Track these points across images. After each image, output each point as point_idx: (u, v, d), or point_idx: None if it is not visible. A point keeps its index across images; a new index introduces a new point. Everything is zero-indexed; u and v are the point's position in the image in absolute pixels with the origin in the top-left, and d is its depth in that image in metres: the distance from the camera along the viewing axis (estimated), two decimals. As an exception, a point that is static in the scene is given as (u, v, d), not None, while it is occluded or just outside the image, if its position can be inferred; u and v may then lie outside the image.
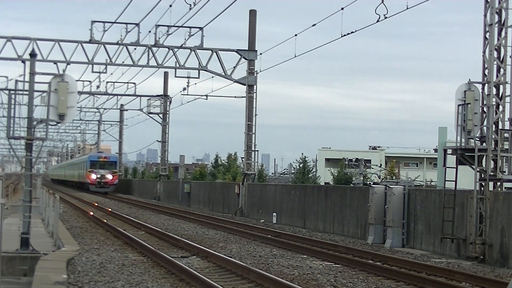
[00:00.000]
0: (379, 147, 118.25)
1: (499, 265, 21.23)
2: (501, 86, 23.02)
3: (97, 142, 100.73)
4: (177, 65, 46.44)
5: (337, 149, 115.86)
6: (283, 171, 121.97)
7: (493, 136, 22.78)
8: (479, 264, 21.56)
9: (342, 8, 31.63)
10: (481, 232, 22.30)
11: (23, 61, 20.72)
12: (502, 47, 22.91)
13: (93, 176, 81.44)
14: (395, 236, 26.33)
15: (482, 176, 22.77)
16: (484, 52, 22.97)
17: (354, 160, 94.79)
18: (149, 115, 68.51)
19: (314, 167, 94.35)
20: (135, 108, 72.16)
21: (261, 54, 46.59)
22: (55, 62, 44.58)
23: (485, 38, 22.93)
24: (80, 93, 57.61)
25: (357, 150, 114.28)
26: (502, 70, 22.94)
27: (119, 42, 44.66)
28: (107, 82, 60.60)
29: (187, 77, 49.27)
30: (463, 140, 23.28)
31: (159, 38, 44.59)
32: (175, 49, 45.86)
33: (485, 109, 23.15)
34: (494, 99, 22.96)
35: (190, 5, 35.15)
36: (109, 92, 63.33)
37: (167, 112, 68.33)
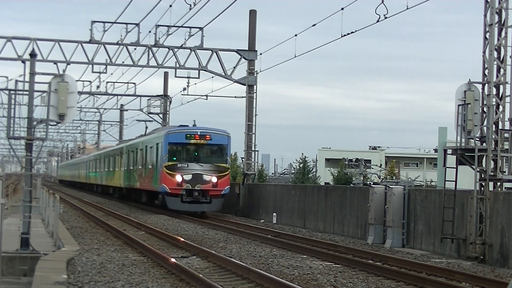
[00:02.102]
0: (379, 147, 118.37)
1: (499, 265, 21.23)
2: (501, 86, 23.01)
3: (97, 142, 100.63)
4: (177, 65, 46.38)
5: (337, 149, 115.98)
6: (283, 171, 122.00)
7: (493, 136, 22.78)
8: (479, 264, 21.56)
9: (342, 8, 31.68)
10: (481, 232, 22.30)
11: (23, 61, 20.71)
12: (502, 47, 22.90)
13: (178, 178, 40.08)
14: (395, 236, 26.33)
15: (482, 176, 22.76)
16: (484, 52, 22.97)
17: (354, 160, 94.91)
18: (149, 115, 68.49)
19: (314, 167, 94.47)
20: (135, 108, 72.16)
21: (261, 54, 46.53)
22: (55, 62, 44.53)
23: (485, 38, 22.93)
24: (80, 93, 57.50)
25: (357, 150, 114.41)
26: (502, 70, 22.93)
27: (119, 42, 44.62)
28: (107, 82, 60.54)
29: (187, 77, 49.19)
30: (463, 140, 23.27)
31: (159, 38, 44.56)
32: (175, 49, 45.83)
33: (485, 109, 23.15)
34: (494, 99, 22.95)
35: (190, 5, 35.15)
36: (109, 92, 63.22)
37: (167, 112, 68.29)
